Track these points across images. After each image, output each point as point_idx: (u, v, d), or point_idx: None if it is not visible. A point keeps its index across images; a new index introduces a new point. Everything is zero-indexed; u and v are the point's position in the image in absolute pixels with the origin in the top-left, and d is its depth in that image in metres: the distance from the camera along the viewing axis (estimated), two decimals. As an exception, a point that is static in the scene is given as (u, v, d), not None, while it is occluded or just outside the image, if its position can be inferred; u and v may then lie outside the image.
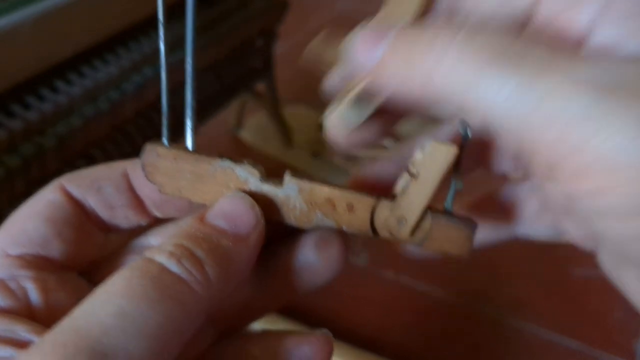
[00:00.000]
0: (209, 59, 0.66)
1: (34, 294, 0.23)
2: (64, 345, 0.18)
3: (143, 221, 0.27)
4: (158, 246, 0.22)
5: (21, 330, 0.21)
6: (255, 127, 0.95)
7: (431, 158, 0.24)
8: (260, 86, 0.86)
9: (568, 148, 0.18)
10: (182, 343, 0.21)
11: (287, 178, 0.25)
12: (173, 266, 0.21)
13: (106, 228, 0.27)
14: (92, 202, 0.26)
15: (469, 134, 0.24)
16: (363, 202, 0.25)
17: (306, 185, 0.25)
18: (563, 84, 0.18)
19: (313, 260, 0.26)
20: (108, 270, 0.26)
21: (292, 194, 0.25)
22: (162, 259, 0.21)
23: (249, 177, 0.25)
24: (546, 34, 0.23)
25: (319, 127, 1.05)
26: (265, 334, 0.26)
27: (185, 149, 0.25)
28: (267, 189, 0.25)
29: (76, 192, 0.26)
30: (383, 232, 0.25)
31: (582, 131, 0.18)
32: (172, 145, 0.25)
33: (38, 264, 0.24)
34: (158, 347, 0.19)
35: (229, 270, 0.23)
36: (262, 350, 0.25)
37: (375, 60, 0.23)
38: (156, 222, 0.28)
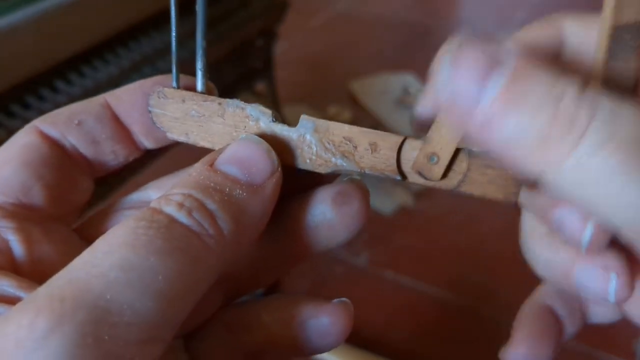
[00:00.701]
0: (209, 59, 0.66)
1: (17, 246, 0.21)
2: (61, 299, 0.16)
3: (132, 155, 0.25)
4: (163, 195, 0.20)
5: (5, 285, 0.19)
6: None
7: None
8: (260, 86, 0.86)
9: None
10: (191, 305, 0.19)
11: (303, 116, 0.23)
12: (183, 217, 0.19)
13: (91, 169, 0.24)
14: (73, 139, 0.23)
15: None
16: (388, 140, 0.22)
17: (322, 123, 0.22)
18: None
19: (330, 216, 0.23)
20: (104, 225, 0.24)
21: (307, 134, 0.22)
22: (170, 209, 0.19)
23: (260, 116, 0.23)
24: None
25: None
26: (277, 298, 0.24)
27: (195, 90, 0.24)
28: (280, 129, 0.23)
29: (53, 132, 0.23)
30: (412, 174, 0.22)
31: None
32: (181, 88, 0.24)
33: (20, 213, 0.22)
34: (166, 306, 0.17)
35: (243, 224, 0.20)
36: (273, 318, 0.23)
37: (481, 101, 0.18)
38: (146, 155, 0.25)
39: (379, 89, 1.09)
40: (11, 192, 0.22)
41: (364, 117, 1.01)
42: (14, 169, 0.22)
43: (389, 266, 0.73)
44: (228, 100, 0.23)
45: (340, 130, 0.22)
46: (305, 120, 0.23)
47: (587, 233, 0.20)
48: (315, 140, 0.23)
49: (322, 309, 0.23)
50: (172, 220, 0.19)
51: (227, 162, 0.21)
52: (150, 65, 0.58)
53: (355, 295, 0.70)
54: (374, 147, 0.22)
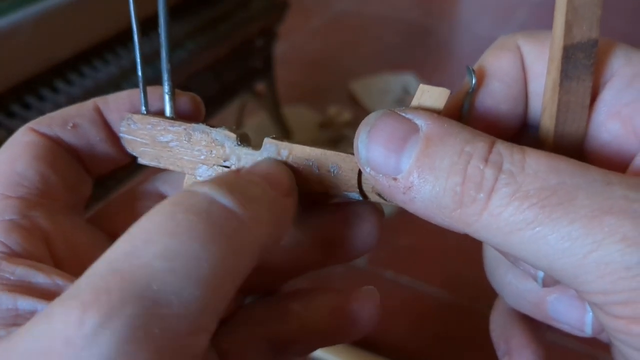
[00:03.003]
0: (209, 59, 0.66)
1: (53, 235, 0.21)
2: (107, 291, 0.15)
3: (125, 159, 0.25)
4: (197, 182, 0.19)
5: (42, 278, 0.18)
6: (255, 127, 0.95)
7: (421, 103, 0.21)
8: (260, 86, 0.86)
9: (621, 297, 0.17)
10: (232, 292, 0.18)
11: (265, 139, 0.23)
12: (222, 198, 0.18)
13: (87, 169, 0.25)
14: (70, 139, 0.23)
15: (474, 80, 0.21)
16: (349, 162, 0.22)
17: (286, 146, 0.23)
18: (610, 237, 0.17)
19: (349, 235, 0.24)
20: (123, 219, 0.24)
21: (270, 157, 0.23)
22: (206, 189, 0.18)
23: (225, 140, 0.23)
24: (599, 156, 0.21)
25: (319, 126, 1.04)
26: (306, 290, 0.24)
27: (163, 116, 0.24)
28: (245, 152, 0.23)
29: (50, 132, 0.23)
30: (373, 195, 0.22)
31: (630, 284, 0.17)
32: (149, 113, 0.24)
33: (45, 204, 0.22)
34: (212, 294, 0.17)
35: (278, 214, 0.20)
36: (304, 307, 0.24)
37: (397, 173, 0.19)
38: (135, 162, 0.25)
39: (379, 89, 1.09)
40: (31, 184, 0.22)
41: (364, 117, 1.01)
42: (28, 163, 0.22)
43: (389, 266, 0.73)
44: (194, 125, 0.24)
45: (302, 152, 0.23)
46: (269, 144, 0.23)
47: None
48: None
49: (351, 296, 0.24)
50: (211, 201, 0.18)
51: (253, 171, 0.21)
52: (150, 65, 0.58)
53: (355, 295, 0.70)
54: (335, 168, 0.23)
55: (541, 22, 1.32)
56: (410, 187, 0.19)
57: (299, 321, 0.24)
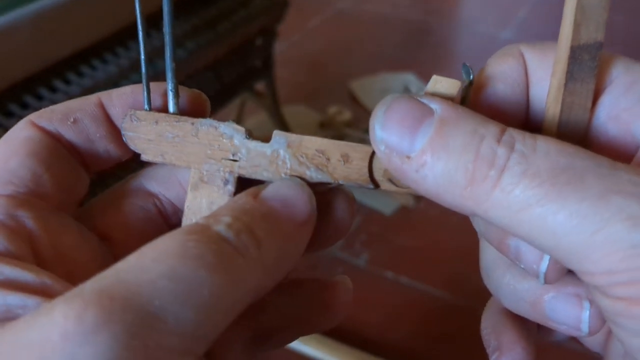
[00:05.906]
0: (209, 59, 0.66)
1: (38, 235, 0.21)
2: (110, 297, 0.16)
3: (125, 155, 0.25)
4: (212, 215, 0.20)
5: (30, 277, 0.19)
6: (255, 126, 0.94)
7: (434, 92, 0.21)
8: (260, 86, 0.86)
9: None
10: (226, 323, 0.19)
11: (275, 132, 0.23)
12: (231, 237, 0.19)
13: (86, 165, 0.25)
14: (69, 135, 0.24)
15: (472, 77, 0.22)
16: (359, 151, 0.23)
17: (295, 138, 0.23)
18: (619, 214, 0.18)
19: (325, 221, 0.24)
20: (109, 215, 0.25)
21: (280, 149, 0.23)
22: (220, 228, 0.19)
23: (234, 133, 0.23)
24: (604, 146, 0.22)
25: (319, 126, 1.04)
26: (284, 282, 0.25)
27: (167, 112, 0.24)
28: (254, 145, 0.23)
29: (49, 127, 0.23)
30: (384, 182, 0.23)
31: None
32: (153, 109, 0.24)
33: (33, 203, 0.22)
34: (206, 321, 0.17)
35: (283, 255, 0.21)
36: (282, 298, 0.24)
37: (411, 152, 0.20)
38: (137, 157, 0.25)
39: (379, 88, 1.09)
40: (21, 182, 0.22)
41: (364, 117, 1.01)
42: (21, 160, 0.22)
43: (389, 266, 0.73)
44: (201, 119, 0.24)
45: (313, 143, 0.23)
46: (278, 136, 0.23)
47: (544, 262, 0.21)
48: (289, 155, 0.23)
49: (323, 286, 0.25)
50: (220, 237, 0.19)
51: (272, 197, 0.22)
52: (151, 63, 0.58)
53: (355, 295, 0.70)
54: (345, 158, 0.23)
55: (541, 21, 1.32)
56: (423, 165, 0.19)
57: (279, 312, 0.24)
